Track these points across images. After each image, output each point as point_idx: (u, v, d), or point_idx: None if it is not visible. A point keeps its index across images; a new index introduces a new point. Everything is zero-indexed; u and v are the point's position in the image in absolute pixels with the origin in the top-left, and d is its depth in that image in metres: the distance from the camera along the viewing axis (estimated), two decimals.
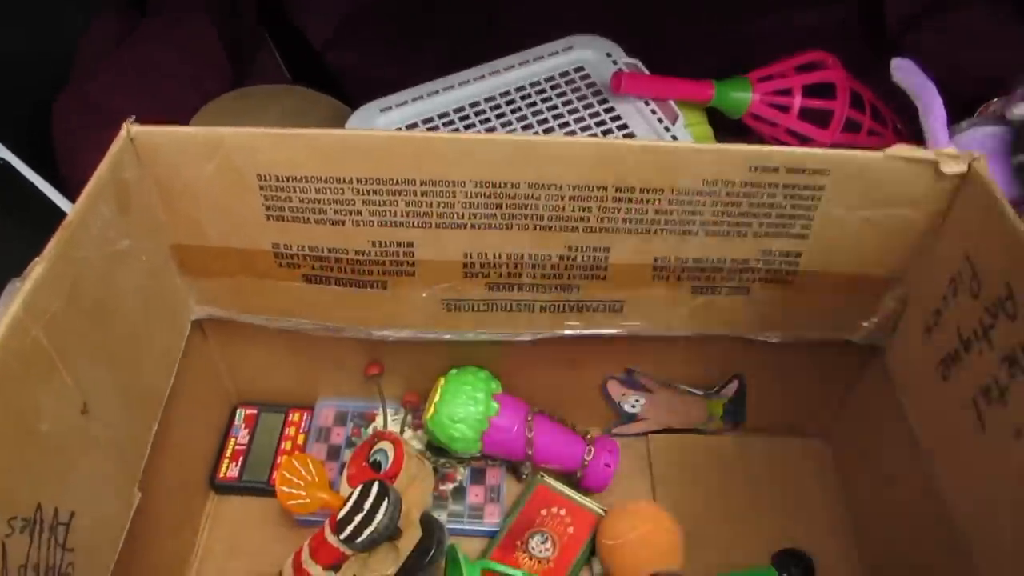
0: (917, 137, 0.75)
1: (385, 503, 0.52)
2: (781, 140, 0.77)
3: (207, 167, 0.50)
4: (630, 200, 0.50)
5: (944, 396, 0.50)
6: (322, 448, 0.66)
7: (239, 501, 0.65)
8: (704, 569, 0.59)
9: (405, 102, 0.74)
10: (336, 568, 0.54)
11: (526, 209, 0.51)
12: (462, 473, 0.64)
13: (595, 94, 0.79)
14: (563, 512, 0.62)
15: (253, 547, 0.62)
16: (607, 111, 0.78)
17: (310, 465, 0.56)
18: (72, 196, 0.68)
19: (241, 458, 0.66)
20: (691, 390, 0.63)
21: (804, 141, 0.76)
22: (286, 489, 0.55)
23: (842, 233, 0.51)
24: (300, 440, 0.67)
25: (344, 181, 0.50)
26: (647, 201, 0.50)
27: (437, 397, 0.60)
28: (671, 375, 0.63)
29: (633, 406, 0.66)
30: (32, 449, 0.39)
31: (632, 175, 0.49)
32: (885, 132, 0.78)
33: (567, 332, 0.57)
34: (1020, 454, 0.43)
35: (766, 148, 0.48)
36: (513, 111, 0.76)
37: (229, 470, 0.65)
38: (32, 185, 0.69)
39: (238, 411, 0.69)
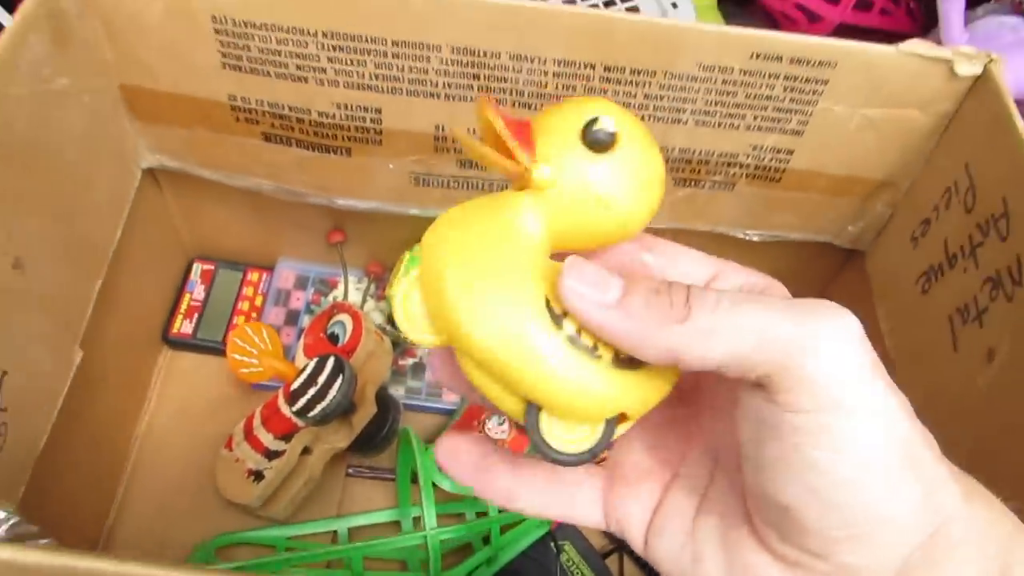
0: (930, 18, 0.70)
1: (340, 380, 0.51)
2: (789, 15, 0.72)
3: (156, 3, 0.45)
4: (618, 81, 0.46)
5: (921, 309, 0.48)
6: (280, 312, 0.64)
7: (192, 358, 0.63)
8: None
9: None
10: (287, 439, 0.53)
11: (505, 83, 0.47)
12: (423, 349, 0.63)
13: None
14: None
15: (204, 407, 0.61)
16: None
17: (264, 333, 0.54)
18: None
19: (196, 315, 0.64)
20: None
21: (813, 18, 0.72)
22: (238, 356, 0.53)
23: (840, 132, 0.48)
24: (258, 302, 0.65)
25: (308, 33, 0.46)
26: (636, 84, 0.46)
27: (401, 271, 0.58)
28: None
29: None
30: None
31: (622, 54, 0.45)
32: (897, 11, 0.74)
33: None
34: (988, 376, 0.42)
35: (772, 34, 0.44)
36: None
37: (183, 326, 0.63)
38: None
39: (194, 265, 0.66)
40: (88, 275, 0.48)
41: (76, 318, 0.47)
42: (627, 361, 0.23)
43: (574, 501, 0.27)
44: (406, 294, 0.26)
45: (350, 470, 0.59)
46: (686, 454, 0.27)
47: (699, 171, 0.51)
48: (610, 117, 0.24)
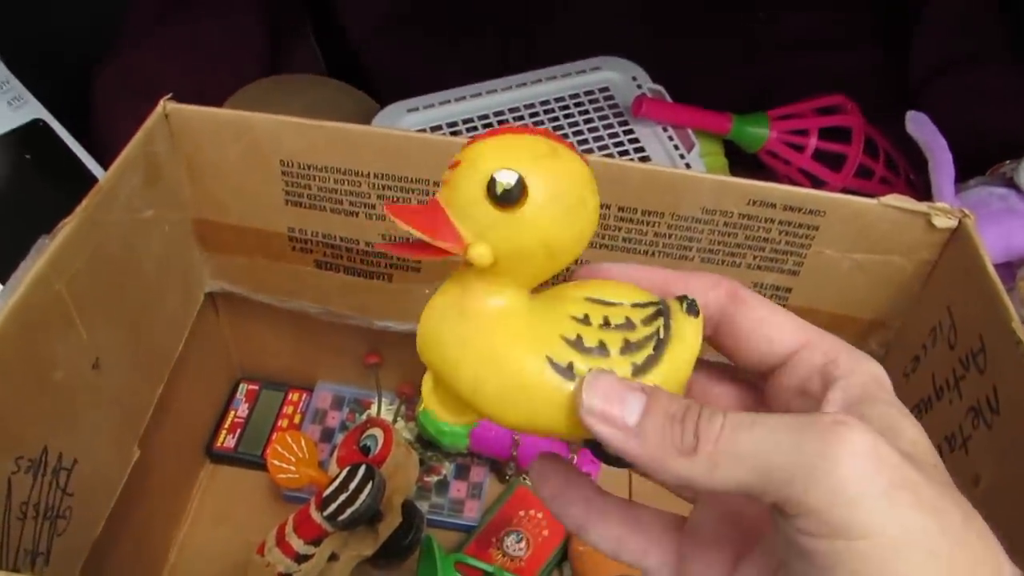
0: (928, 188, 0.77)
1: (369, 485, 0.54)
2: (794, 179, 0.79)
3: (234, 148, 0.53)
4: (631, 220, 0.52)
5: None
6: (316, 429, 0.69)
7: (232, 472, 0.67)
8: None
9: (432, 105, 0.77)
10: (316, 543, 0.56)
11: None
12: (447, 468, 0.67)
13: (616, 115, 0.82)
14: (540, 516, 0.64)
15: (241, 516, 0.64)
16: (626, 133, 0.80)
17: (303, 442, 0.59)
18: (104, 162, 0.71)
19: (238, 430, 0.68)
20: None
21: (816, 183, 0.78)
22: (277, 463, 0.57)
23: (832, 274, 0.53)
24: (296, 419, 0.69)
25: (362, 175, 0.53)
26: (647, 223, 0.52)
27: (425, 386, 0.62)
28: None
29: None
30: (44, 396, 0.42)
31: (635, 196, 0.51)
32: (897, 181, 0.80)
33: None
34: (975, 500, 0.44)
35: (766, 184, 0.50)
36: (536, 123, 0.79)
37: (226, 440, 0.68)
38: (66, 146, 0.72)
39: (240, 385, 0.71)
40: (151, 382, 0.54)
41: (138, 419, 0.52)
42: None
43: (647, 550, 0.27)
44: (431, 388, 0.30)
45: None
46: (764, 532, 0.26)
47: None
48: (505, 171, 0.23)
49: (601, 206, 0.53)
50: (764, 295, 0.55)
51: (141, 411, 0.52)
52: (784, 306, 0.56)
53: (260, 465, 0.66)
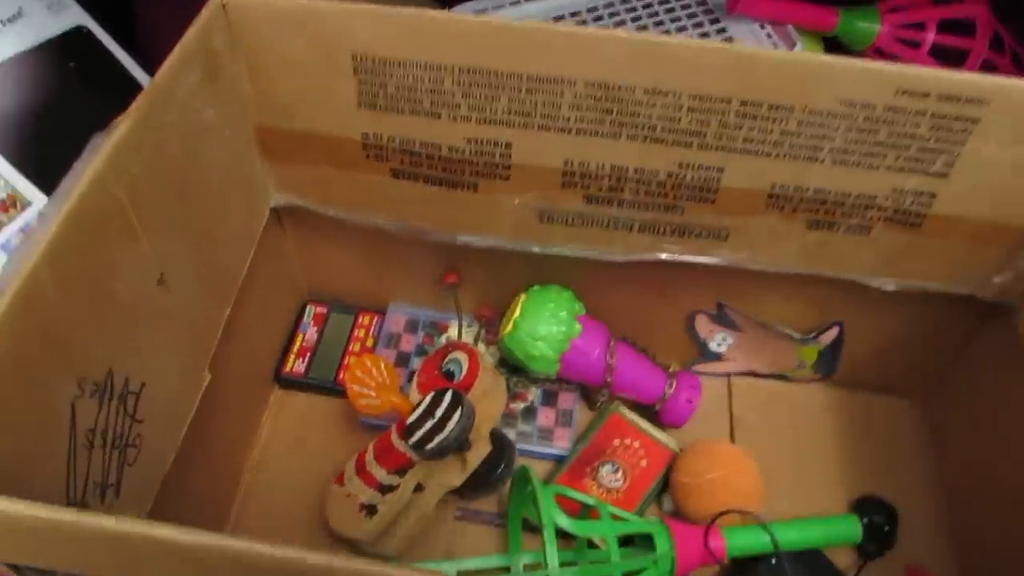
0: None
1: (458, 412, 0.50)
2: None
3: (298, 42, 0.47)
4: (755, 117, 0.46)
5: None
6: (391, 354, 0.64)
7: (303, 398, 0.64)
8: (780, 511, 0.55)
9: (518, 2, 0.70)
10: (401, 473, 0.52)
11: (638, 117, 0.47)
12: (534, 393, 0.62)
13: (706, 12, 0.74)
14: (637, 444, 0.59)
15: (314, 444, 0.61)
16: (719, 31, 0.73)
17: (382, 366, 0.54)
18: (151, 69, 0.66)
19: (308, 355, 0.64)
20: (786, 332, 0.59)
21: None
22: (356, 388, 0.53)
23: (989, 175, 0.46)
24: (369, 343, 0.65)
25: (445, 69, 0.47)
26: (773, 120, 0.45)
27: (517, 313, 0.57)
28: (766, 314, 0.59)
29: (719, 344, 0.62)
30: (107, 310, 0.37)
31: (761, 88, 0.44)
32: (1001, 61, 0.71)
33: (663, 256, 0.53)
34: None
35: (919, 69, 0.43)
36: (617, 23, 0.72)
37: (295, 365, 0.64)
38: (111, 54, 0.66)
39: (308, 308, 0.67)
40: (219, 302, 0.49)
41: (207, 341, 0.48)
42: None
43: None
44: None
45: (458, 513, 0.57)
46: None
47: (834, 213, 0.49)
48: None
49: (719, 100, 0.47)
50: (904, 201, 0.49)
51: (210, 333, 0.48)
52: (926, 214, 0.49)
53: (332, 391, 0.62)
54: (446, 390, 0.51)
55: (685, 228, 0.51)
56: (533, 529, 0.55)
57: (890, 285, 0.53)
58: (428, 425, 0.50)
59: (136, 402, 0.39)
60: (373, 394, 0.53)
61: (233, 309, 0.51)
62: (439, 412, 0.50)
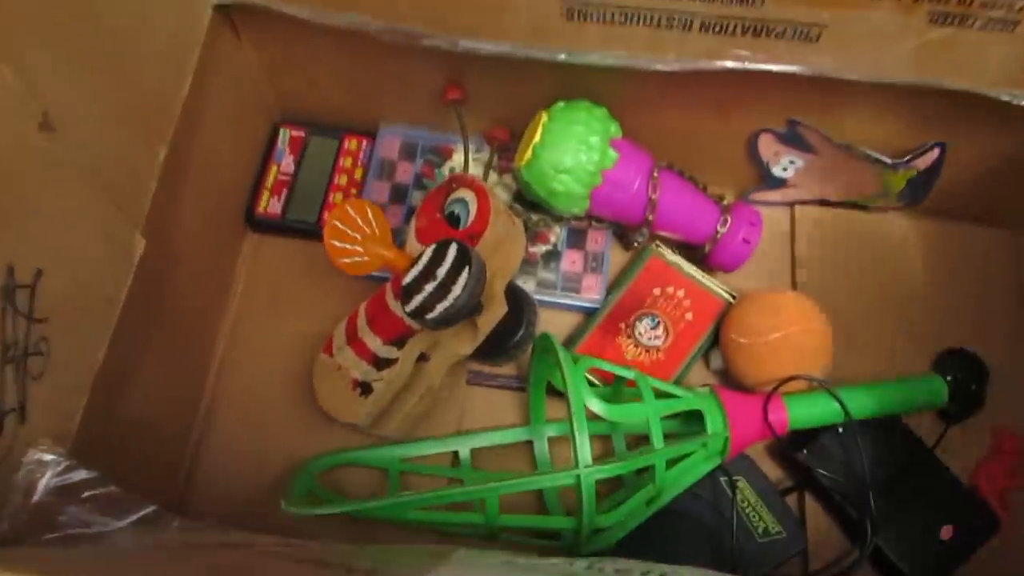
0: None
1: (465, 273, 0.40)
2: None
3: None
4: None
5: None
6: (384, 187, 0.53)
7: (281, 244, 0.53)
8: (850, 372, 0.47)
9: None
10: (399, 344, 0.43)
11: None
12: (557, 234, 0.51)
13: None
14: (681, 294, 0.49)
15: (298, 302, 0.51)
16: None
17: (369, 214, 0.43)
18: None
19: (285, 191, 0.53)
20: (873, 155, 0.47)
21: None
22: (338, 243, 0.43)
23: None
24: (357, 175, 0.54)
25: None
26: None
27: (538, 138, 0.45)
28: (850, 133, 0.47)
29: (785, 169, 0.51)
30: None
31: None
32: None
33: (729, 64, 0.41)
34: None
35: None
36: None
37: (270, 204, 0.53)
38: None
39: (281, 131, 0.55)
40: (147, 142, 0.38)
41: (135, 198, 0.37)
42: None
43: None
44: None
45: (470, 376, 0.49)
46: None
47: (970, 2, 0.36)
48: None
49: None
50: None
51: (137, 185, 0.37)
52: None
53: (317, 235, 0.52)
54: (450, 242, 0.41)
55: (763, 25, 0.38)
56: (558, 393, 0.47)
57: None
58: (429, 288, 0.40)
59: (31, 297, 0.29)
60: (359, 249, 0.43)
61: (177, 146, 0.40)
62: (441, 272, 0.40)
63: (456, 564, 0.25)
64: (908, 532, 0.44)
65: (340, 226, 0.43)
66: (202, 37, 0.42)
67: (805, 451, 0.45)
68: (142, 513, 0.32)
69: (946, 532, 0.44)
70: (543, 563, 0.27)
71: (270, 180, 0.54)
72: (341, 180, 0.54)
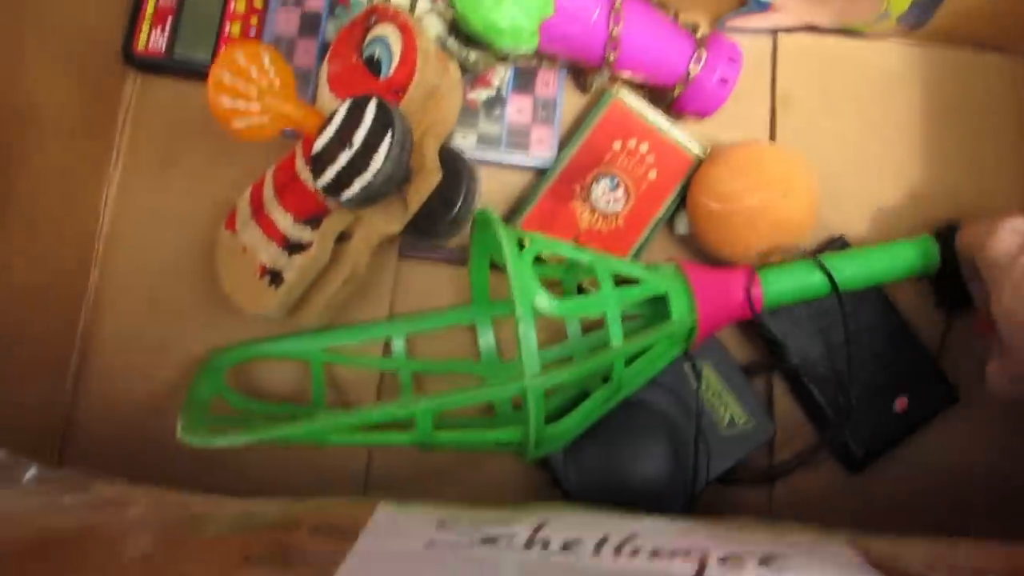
0: None
1: (388, 138, 0.33)
2: None
3: None
4: None
5: None
6: (292, 16, 0.44)
7: (172, 87, 0.44)
8: (840, 229, 0.42)
9: None
10: (313, 223, 0.36)
11: None
12: (501, 76, 0.43)
13: None
14: (644, 148, 0.42)
15: (196, 158, 0.43)
16: None
17: (266, 60, 0.35)
18: None
19: (170, 20, 0.44)
20: None
21: None
22: (228, 101, 0.34)
23: None
24: (258, 3, 0.44)
25: None
26: None
27: None
28: None
29: None
30: None
31: None
32: None
33: None
34: None
35: None
36: None
37: (151, 40, 0.43)
38: None
39: None
40: None
41: None
42: None
43: None
44: None
45: (404, 247, 0.43)
46: None
47: None
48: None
49: None
50: None
51: None
52: None
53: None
54: (368, 99, 0.33)
55: None
56: (503, 269, 0.41)
57: None
58: (344, 159, 0.33)
59: None
60: (255, 108, 0.34)
61: None
62: (358, 138, 0.33)
63: (374, 536, 0.21)
64: (864, 408, 0.40)
65: (229, 78, 0.34)
66: None
67: (776, 332, 0.41)
68: None
69: (900, 404, 0.41)
70: (472, 536, 0.23)
71: (150, 7, 0.44)
72: (238, 7, 0.44)
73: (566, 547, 0.21)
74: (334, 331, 0.41)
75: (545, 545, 0.21)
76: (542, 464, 0.39)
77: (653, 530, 0.23)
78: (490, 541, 0.21)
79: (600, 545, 0.22)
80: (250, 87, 0.34)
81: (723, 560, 0.22)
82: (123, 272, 0.42)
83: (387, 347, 0.41)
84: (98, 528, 0.22)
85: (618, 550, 0.22)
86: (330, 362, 0.41)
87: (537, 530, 0.22)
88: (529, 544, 0.21)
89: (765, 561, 0.22)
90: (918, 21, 0.44)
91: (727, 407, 0.40)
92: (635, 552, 0.22)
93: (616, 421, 0.38)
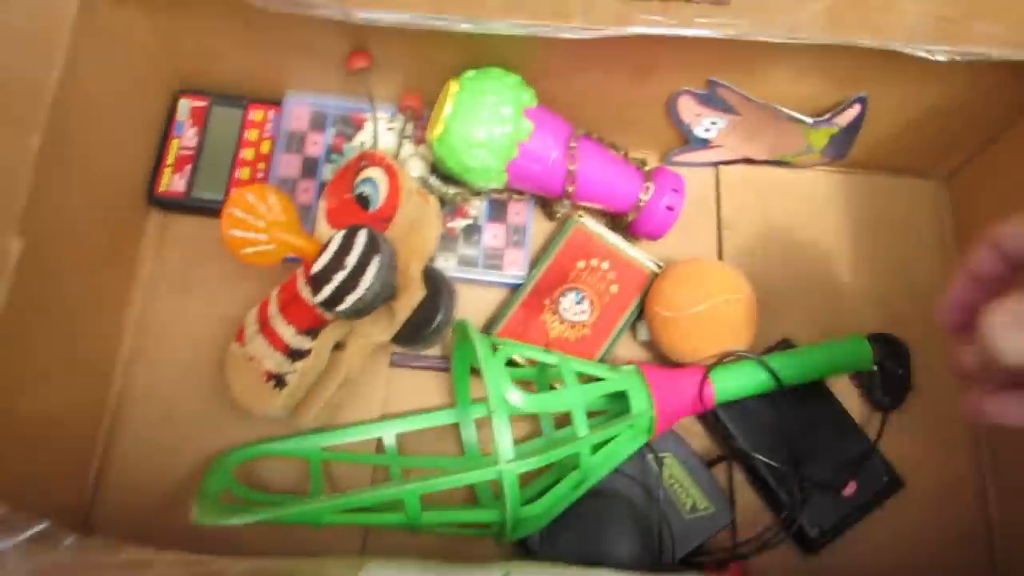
0: None
1: (376, 261, 0.38)
2: None
3: None
4: None
5: None
6: (294, 160, 0.50)
7: (188, 223, 0.50)
8: (776, 337, 0.47)
9: None
10: (312, 333, 0.41)
11: None
12: (477, 207, 0.49)
13: None
14: (606, 266, 0.48)
15: (208, 285, 0.49)
16: None
17: (272, 199, 0.41)
18: None
19: (188, 166, 0.50)
20: (795, 115, 0.46)
21: None
22: (239, 233, 0.40)
23: None
24: (265, 148, 0.51)
25: None
26: None
27: (449, 110, 0.43)
28: (771, 93, 0.46)
29: (707, 129, 0.49)
30: None
31: None
32: None
33: (640, 30, 0.39)
34: None
35: None
36: None
37: (172, 182, 0.50)
38: None
39: (181, 102, 0.52)
40: (15, 132, 0.35)
41: (6, 195, 0.34)
42: None
43: None
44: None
45: (394, 357, 0.48)
46: None
47: None
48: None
49: None
50: None
51: (10, 180, 0.34)
52: None
53: None
54: (358, 228, 0.39)
55: None
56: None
57: (942, 55, 0.40)
58: (338, 279, 0.38)
59: None
60: (263, 238, 0.40)
61: (54, 130, 0.37)
62: (351, 261, 0.38)
63: None
64: (816, 493, 0.44)
65: (240, 214, 0.40)
66: (74, 9, 0.38)
67: (730, 426, 0.45)
68: (34, 531, 0.30)
69: (849, 489, 0.45)
70: None
71: (171, 156, 0.50)
72: (247, 154, 0.51)
73: None
74: (331, 431, 0.45)
75: None
76: (521, 547, 0.42)
77: None
78: None
79: None
80: (259, 221, 0.40)
81: None
82: (142, 384, 0.47)
83: (379, 445, 0.45)
84: None
85: None
86: (327, 459, 0.45)
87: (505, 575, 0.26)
88: None
89: None
90: (838, 153, 0.51)
91: (688, 494, 0.43)
92: None
93: (587, 507, 0.42)
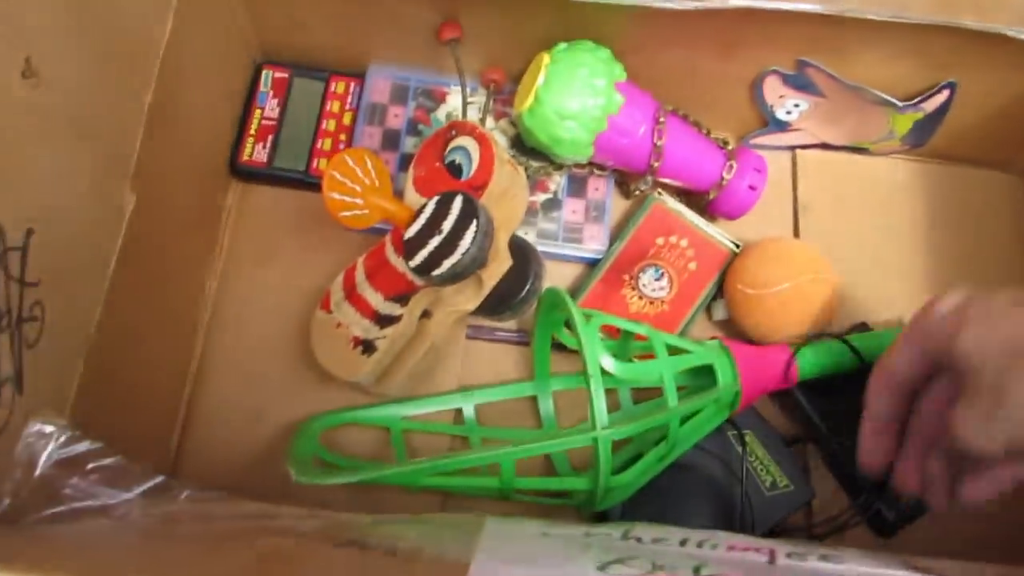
0: None
1: (473, 226, 0.38)
2: None
3: None
4: None
5: None
6: (375, 132, 0.51)
7: (269, 193, 0.51)
8: (852, 321, 0.47)
9: None
10: (402, 300, 0.42)
11: None
12: (557, 181, 0.50)
13: None
14: (684, 243, 0.48)
15: (288, 254, 0.49)
16: None
17: (368, 164, 0.41)
18: None
19: (270, 137, 0.51)
20: (885, 97, 0.46)
21: None
22: (338, 196, 0.40)
23: None
24: (346, 120, 0.51)
25: None
26: None
27: (541, 81, 0.43)
28: (862, 75, 0.46)
29: (789, 112, 0.49)
30: None
31: None
32: None
33: (742, 2, 0.39)
34: None
35: None
36: None
37: (255, 152, 0.50)
38: None
39: (264, 73, 0.52)
40: (132, 88, 0.35)
41: (123, 148, 0.34)
42: None
43: None
44: None
45: (469, 331, 0.48)
46: None
47: None
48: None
49: None
50: None
51: (125, 134, 0.35)
52: None
53: (306, 183, 0.50)
54: (454, 194, 0.39)
55: None
56: (559, 347, 0.46)
57: None
58: (433, 244, 0.39)
59: (23, 259, 0.27)
60: (359, 202, 0.41)
61: (162, 91, 0.37)
62: (447, 226, 0.39)
63: (495, 538, 0.25)
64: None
65: (339, 177, 0.41)
66: None
67: (808, 407, 0.45)
68: (150, 484, 0.30)
69: None
70: (575, 532, 0.27)
71: (254, 126, 0.51)
72: (329, 125, 0.51)
73: (655, 541, 0.25)
74: (412, 401, 0.45)
75: (638, 540, 0.25)
76: (601, 519, 0.42)
77: (725, 536, 0.27)
78: (589, 535, 0.25)
79: (683, 543, 0.26)
80: (356, 185, 0.41)
81: (789, 555, 0.26)
82: (223, 350, 0.47)
83: (457, 416, 0.46)
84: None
85: (700, 545, 0.25)
86: (408, 428, 0.45)
87: (627, 531, 0.26)
88: (624, 537, 0.25)
89: (825, 557, 0.26)
90: (918, 141, 0.51)
91: (768, 471, 0.43)
92: (714, 547, 0.25)
93: (668, 482, 0.42)
